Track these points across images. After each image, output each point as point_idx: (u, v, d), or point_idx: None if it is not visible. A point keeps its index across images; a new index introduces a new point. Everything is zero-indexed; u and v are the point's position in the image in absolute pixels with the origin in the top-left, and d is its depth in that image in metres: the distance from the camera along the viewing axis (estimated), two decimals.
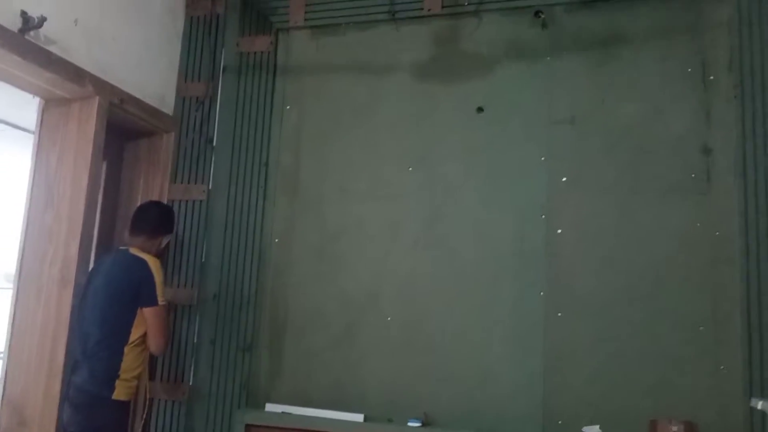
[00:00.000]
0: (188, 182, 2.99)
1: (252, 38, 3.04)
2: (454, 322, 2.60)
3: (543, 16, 2.65)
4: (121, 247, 2.56)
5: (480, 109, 2.70)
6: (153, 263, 2.43)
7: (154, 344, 2.41)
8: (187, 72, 3.08)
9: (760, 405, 1.57)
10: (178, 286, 2.91)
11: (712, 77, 2.46)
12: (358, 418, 2.56)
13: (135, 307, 2.37)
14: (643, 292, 2.41)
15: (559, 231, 2.54)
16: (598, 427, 2.37)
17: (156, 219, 2.60)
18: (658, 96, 2.50)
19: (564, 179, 2.57)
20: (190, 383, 2.84)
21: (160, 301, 2.40)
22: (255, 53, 3.03)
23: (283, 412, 2.65)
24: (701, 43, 2.49)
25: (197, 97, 3.03)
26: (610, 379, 2.39)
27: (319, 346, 2.74)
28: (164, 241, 2.64)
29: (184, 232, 2.95)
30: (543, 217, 2.56)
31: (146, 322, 2.39)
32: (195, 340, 2.87)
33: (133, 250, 2.46)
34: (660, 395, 2.33)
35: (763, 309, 2.25)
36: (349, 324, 2.72)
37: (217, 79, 3.05)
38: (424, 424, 2.50)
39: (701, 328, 2.33)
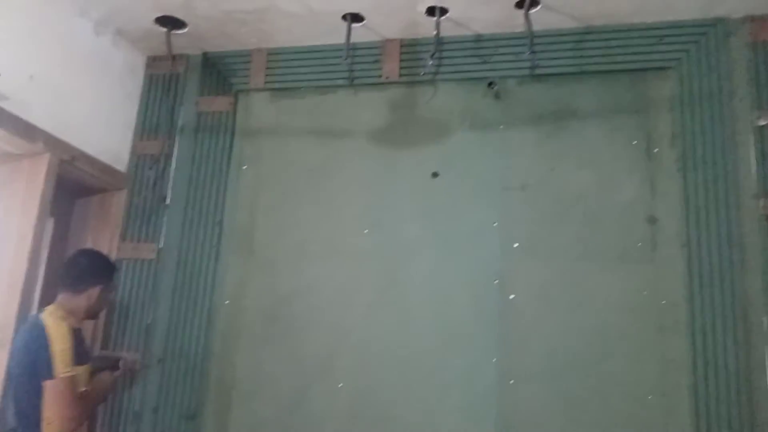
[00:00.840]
0: (138, 241, 2.93)
1: (211, 98, 3.06)
2: (407, 389, 2.55)
3: (496, 88, 2.75)
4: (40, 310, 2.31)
5: (435, 174, 2.75)
6: (54, 328, 2.13)
7: (53, 427, 2.07)
8: (143, 130, 3.07)
9: None
10: (122, 350, 2.80)
11: (656, 150, 2.56)
12: None
13: (38, 382, 2.09)
14: (593, 359, 2.42)
15: (512, 296, 2.56)
16: None
17: (80, 268, 2.33)
18: (605, 167, 2.58)
19: (516, 245, 2.60)
20: None
21: (59, 372, 2.08)
22: (214, 113, 3.04)
23: None
24: (646, 118, 2.60)
25: (152, 155, 3.01)
26: None
27: (268, 413, 2.65)
28: (98, 295, 2.33)
29: (131, 293, 2.86)
30: (496, 282, 2.58)
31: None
32: (136, 408, 2.74)
33: (45, 314, 2.20)
34: None
35: (710, 379, 2.28)
36: (300, 391, 2.65)
37: (174, 137, 3.04)
38: None
39: (650, 397, 2.34)
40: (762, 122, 2.43)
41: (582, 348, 2.44)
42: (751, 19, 2.52)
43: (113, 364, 2.51)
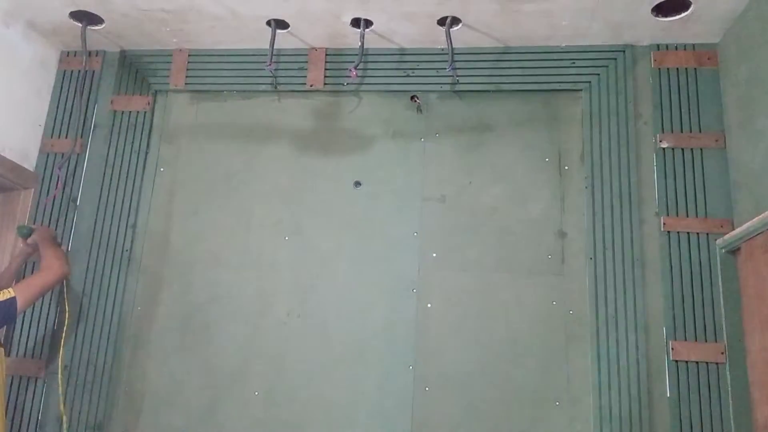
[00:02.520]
0: None
1: (128, 97, 2.97)
2: (323, 396, 2.55)
3: (418, 101, 2.81)
4: None
5: (357, 184, 2.77)
6: None
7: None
8: (54, 127, 2.94)
9: None
10: (24, 356, 2.67)
11: (566, 167, 2.68)
12: None
13: None
14: (504, 367, 2.50)
15: (429, 305, 2.61)
16: None
17: None
18: (519, 181, 2.69)
19: (434, 255, 2.66)
20: None
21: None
22: (130, 113, 2.95)
23: None
24: (558, 136, 2.72)
25: (63, 154, 2.88)
26: None
27: (179, 423, 2.58)
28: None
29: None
30: (414, 291, 2.62)
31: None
32: (39, 417, 2.61)
33: None
34: None
35: (612, 385, 2.40)
36: (213, 400, 2.60)
37: (86, 136, 2.93)
38: None
39: (557, 403, 2.45)
40: (664, 144, 2.60)
41: (494, 356, 2.52)
42: (657, 47, 2.70)
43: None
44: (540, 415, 2.44)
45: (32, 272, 2.69)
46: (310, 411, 2.54)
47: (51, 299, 2.72)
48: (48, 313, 2.72)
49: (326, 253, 2.71)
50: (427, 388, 2.52)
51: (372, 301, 2.63)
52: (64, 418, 2.55)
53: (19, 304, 2.27)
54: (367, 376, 2.56)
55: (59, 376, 2.60)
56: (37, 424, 2.61)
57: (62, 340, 2.60)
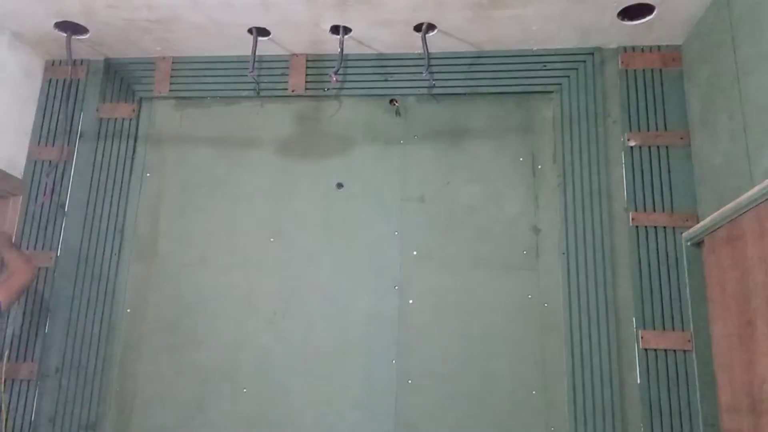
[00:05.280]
0: (35, 248, 2.85)
1: (113, 105, 3.03)
2: (310, 392, 2.64)
3: (397, 105, 2.90)
4: None
5: (340, 185, 2.86)
6: None
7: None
8: (41, 135, 2.99)
9: None
10: (17, 360, 2.73)
11: (540, 166, 2.79)
12: None
13: None
14: (482, 359, 2.61)
15: (411, 301, 2.71)
16: None
17: None
18: (494, 181, 2.79)
19: (415, 252, 2.76)
20: None
21: None
22: (116, 120, 3.01)
23: None
24: (531, 137, 2.83)
25: (50, 161, 2.94)
26: None
27: (170, 422, 2.66)
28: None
29: (26, 301, 2.78)
30: (396, 288, 2.72)
31: None
32: (32, 419, 2.68)
33: None
34: None
35: (585, 375, 2.52)
36: (202, 398, 2.68)
37: (73, 143, 2.99)
38: None
39: (534, 392, 2.55)
40: (632, 143, 2.72)
41: (473, 349, 2.62)
42: (624, 49, 2.81)
43: None
44: (517, 404, 2.55)
45: None
46: (297, 406, 2.63)
47: (42, 304, 2.78)
48: (39, 316, 2.78)
49: (310, 253, 2.80)
50: (409, 381, 2.61)
51: (355, 298, 2.72)
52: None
53: (3, 306, 2.34)
54: (351, 371, 2.65)
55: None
56: (30, 427, 2.67)
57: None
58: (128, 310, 2.80)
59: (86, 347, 2.74)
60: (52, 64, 3.09)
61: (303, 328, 2.71)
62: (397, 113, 2.91)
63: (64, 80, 3.04)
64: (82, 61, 3.06)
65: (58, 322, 2.78)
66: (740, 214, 2.16)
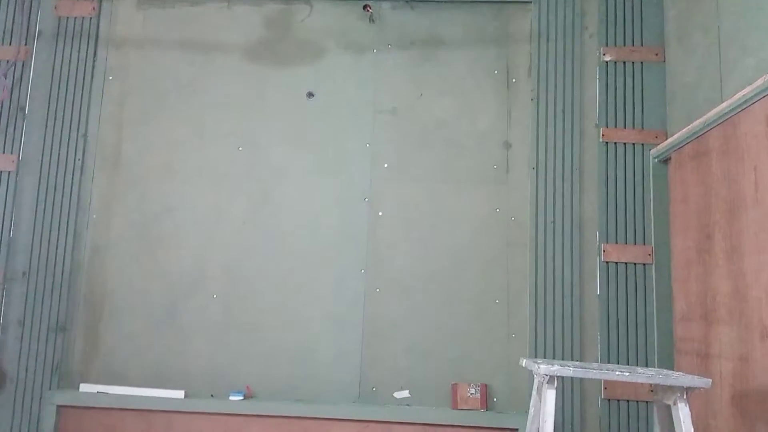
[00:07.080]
0: None
1: (72, 2, 2.88)
2: (278, 299, 2.68)
3: (371, 11, 2.81)
4: None
5: (310, 95, 2.80)
6: None
7: None
8: None
9: (524, 363, 1.87)
10: None
11: (514, 80, 2.76)
12: (179, 394, 2.57)
13: None
14: (449, 270, 2.66)
15: (380, 213, 2.72)
16: (407, 392, 2.59)
17: None
18: (468, 94, 2.76)
19: (386, 165, 2.75)
20: None
21: None
22: (75, 18, 2.87)
23: (98, 392, 2.57)
24: (507, 50, 2.78)
25: (7, 61, 2.81)
26: (419, 350, 2.62)
27: (140, 325, 2.69)
28: None
29: None
30: (366, 200, 2.72)
31: None
32: (1, 321, 2.68)
33: None
34: (461, 363, 2.60)
35: (547, 284, 2.60)
36: (172, 304, 2.70)
37: (31, 43, 2.85)
38: (246, 397, 2.57)
39: (497, 301, 2.63)
40: (607, 57, 2.69)
41: (440, 261, 2.67)
42: None
43: None
44: (480, 312, 2.63)
45: None
46: (266, 313, 2.68)
47: (5, 209, 2.73)
48: (3, 222, 2.73)
49: (280, 163, 2.77)
50: (377, 290, 2.67)
51: (325, 209, 2.73)
52: None
53: None
54: (321, 280, 2.69)
55: None
56: None
57: None
58: (94, 216, 2.77)
59: (52, 252, 2.71)
60: None
61: (272, 238, 2.72)
62: (371, 20, 2.82)
63: None
64: None
65: (23, 226, 2.74)
66: (708, 131, 2.19)
